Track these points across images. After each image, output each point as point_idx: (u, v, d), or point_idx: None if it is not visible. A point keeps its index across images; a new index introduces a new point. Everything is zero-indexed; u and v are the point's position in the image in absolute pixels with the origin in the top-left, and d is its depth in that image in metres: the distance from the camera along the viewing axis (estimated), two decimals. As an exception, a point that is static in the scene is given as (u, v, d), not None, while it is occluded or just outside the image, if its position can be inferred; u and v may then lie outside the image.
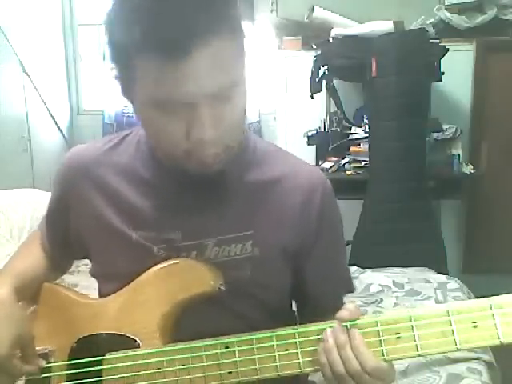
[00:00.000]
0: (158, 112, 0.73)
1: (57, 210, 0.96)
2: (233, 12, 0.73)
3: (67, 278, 2.28)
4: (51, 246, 0.99)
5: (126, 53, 0.71)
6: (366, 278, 2.24)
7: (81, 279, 2.20)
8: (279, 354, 0.72)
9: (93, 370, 0.83)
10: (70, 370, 0.86)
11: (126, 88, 0.77)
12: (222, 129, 0.74)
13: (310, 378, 1.05)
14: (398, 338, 0.68)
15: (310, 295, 0.94)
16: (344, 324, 0.71)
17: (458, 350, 0.67)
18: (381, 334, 0.69)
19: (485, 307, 0.66)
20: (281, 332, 0.73)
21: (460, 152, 3.11)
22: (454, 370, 1.49)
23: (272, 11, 3.53)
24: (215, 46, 0.69)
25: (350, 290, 0.98)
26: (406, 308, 1.95)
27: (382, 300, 2.05)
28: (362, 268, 2.37)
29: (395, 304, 2.00)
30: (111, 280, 0.89)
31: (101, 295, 0.94)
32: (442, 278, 2.21)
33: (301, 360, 0.72)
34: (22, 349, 0.84)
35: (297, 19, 3.35)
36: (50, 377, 0.87)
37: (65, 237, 0.95)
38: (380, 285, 2.17)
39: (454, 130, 3.13)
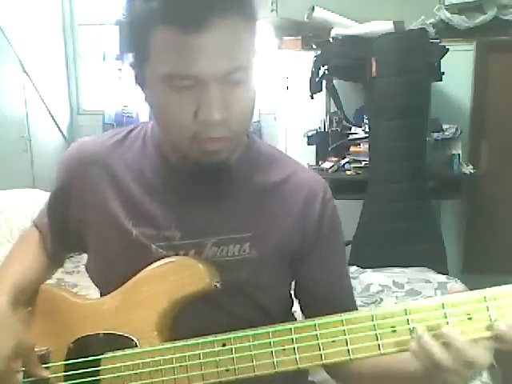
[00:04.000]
0: (169, 90, 0.73)
1: (60, 199, 0.94)
2: (251, 1, 0.74)
3: (67, 278, 2.29)
4: (52, 238, 0.98)
5: (144, 26, 0.71)
6: (366, 278, 2.24)
7: (80, 279, 2.20)
8: (276, 350, 0.72)
9: (91, 370, 0.83)
10: (69, 370, 0.85)
11: (140, 69, 0.77)
12: (230, 112, 0.74)
13: (309, 378, 1.05)
14: (393, 331, 0.68)
15: (312, 298, 0.93)
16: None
17: None
18: (376, 327, 0.69)
19: (479, 299, 0.66)
20: (277, 328, 0.73)
21: (460, 152, 3.11)
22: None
23: (272, 11, 3.53)
24: (232, 25, 0.70)
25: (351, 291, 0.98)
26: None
27: (381, 300, 2.05)
28: (361, 268, 2.37)
29: (395, 304, 2.00)
30: (106, 276, 0.89)
31: (101, 292, 0.93)
32: (442, 277, 2.21)
33: (297, 356, 0.72)
34: (24, 360, 0.83)
35: (297, 19, 3.35)
36: (49, 378, 0.86)
37: (66, 227, 0.94)
38: (380, 285, 2.17)
39: (454, 130, 3.13)
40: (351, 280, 0.99)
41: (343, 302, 0.92)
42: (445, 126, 3.10)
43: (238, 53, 0.73)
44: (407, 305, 0.69)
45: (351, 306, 0.93)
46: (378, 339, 0.69)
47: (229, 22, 0.70)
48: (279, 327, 0.73)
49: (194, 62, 0.70)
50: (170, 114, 0.75)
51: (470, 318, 0.66)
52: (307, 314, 0.94)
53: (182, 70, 0.71)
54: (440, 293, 2.05)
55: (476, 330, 0.65)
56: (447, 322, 0.66)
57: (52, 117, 3.79)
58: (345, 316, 0.71)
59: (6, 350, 0.79)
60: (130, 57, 0.78)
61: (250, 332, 0.74)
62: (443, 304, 0.67)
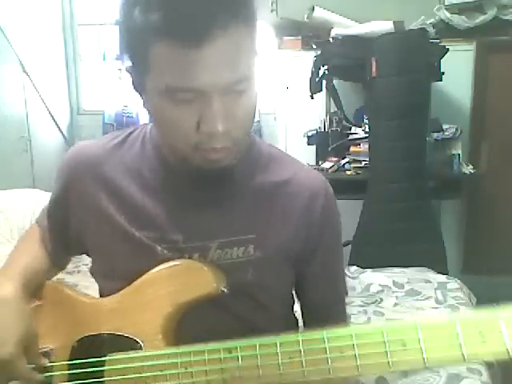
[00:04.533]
0: (170, 102, 0.72)
1: (59, 204, 0.95)
2: (251, 5, 0.73)
3: (67, 278, 2.28)
4: (52, 241, 0.98)
5: (143, 39, 0.70)
6: (366, 278, 2.24)
7: (81, 279, 2.20)
8: (282, 362, 0.71)
9: (94, 371, 0.83)
10: (72, 369, 0.85)
11: (139, 78, 0.76)
12: (232, 123, 0.74)
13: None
14: (404, 349, 0.67)
15: (312, 299, 0.94)
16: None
17: (465, 362, 0.65)
18: (386, 344, 0.67)
19: (493, 319, 0.64)
20: (285, 339, 0.72)
21: (460, 152, 3.11)
22: (453, 369, 1.49)
23: (272, 11, 3.53)
24: (234, 34, 0.69)
25: (346, 292, 1.00)
26: (406, 308, 1.95)
27: (381, 300, 2.05)
28: (361, 268, 2.37)
29: (395, 304, 2.00)
30: (112, 279, 0.89)
31: (101, 294, 0.93)
32: (442, 277, 2.21)
33: (305, 368, 0.70)
34: (27, 347, 0.83)
35: (297, 19, 3.35)
36: (52, 376, 0.86)
37: (66, 231, 0.94)
38: (380, 285, 2.17)
39: (454, 130, 3.13)
40: (351, 280, 1.00)
41: (339, 296, 0.95)
42: (445, 126, 3.09)
43: (240, 61, 0.72)
44: (419, 322, 0.67)
45: (342, 306, 0.97)
46: (388, 357, 0.67)
47: (230, 32, 0.69)
48: (287, 338, 0.72)
49: (197, 76, 0.69)
50: (172, 124, 0.75)
51: (483, 340, 0.64)
52: (306, 315, 0.95)
53: (184, 84, 0.70)
54: (440, 293, 2.05)
55: (489, 352, 0.64)
56: (460, 344, 0.64)
57: (52, 117, 3.79)
58: (354, 330, 0.70)
59: (17, 334, 0.80)
60: (127, 62, 0.76)
61: (256, 341, 0.73)
62: (455, 323, 0.65)
